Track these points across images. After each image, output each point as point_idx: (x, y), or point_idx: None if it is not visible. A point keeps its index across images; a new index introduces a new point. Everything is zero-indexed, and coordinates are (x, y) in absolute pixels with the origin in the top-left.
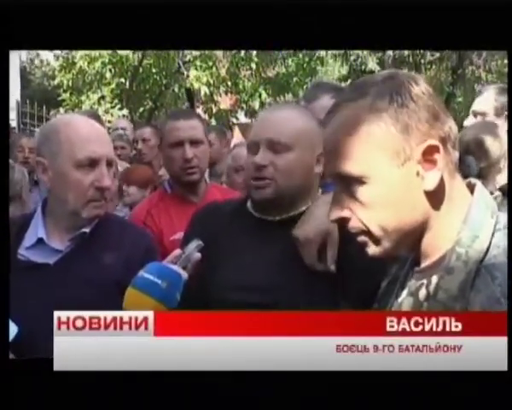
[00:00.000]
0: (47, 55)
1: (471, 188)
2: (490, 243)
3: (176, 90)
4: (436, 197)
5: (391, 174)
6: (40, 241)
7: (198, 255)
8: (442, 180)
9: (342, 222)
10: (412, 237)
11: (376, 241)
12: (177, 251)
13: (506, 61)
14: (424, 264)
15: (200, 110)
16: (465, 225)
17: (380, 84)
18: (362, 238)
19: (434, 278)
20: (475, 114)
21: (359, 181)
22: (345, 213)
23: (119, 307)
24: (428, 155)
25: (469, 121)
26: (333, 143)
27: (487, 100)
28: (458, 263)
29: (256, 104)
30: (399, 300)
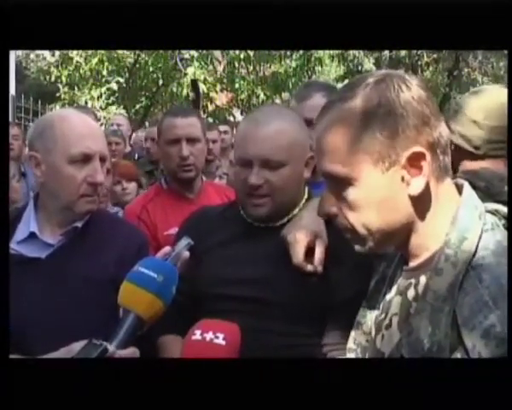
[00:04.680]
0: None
1: (459, 188)
2: (478, 244)
3: (174, 88)
4: (421, 202)
5: (375, 179)
6: (32, 235)
7: (187, 254)
8: (428, 186)
9: (330, 218)
10: (397, 238)
11: (361, 239)
12: (167, 248)
13: (502, 64)
14: (412, 264)
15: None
16: (453, 227)
17: (370, 87)
18: (348, 235)
19: (423, 279)
20: None
21: (345, 181)
22: (332, 210)
23: (111, 302)
24: (414, 161)
25: None
26: (322, 143)
27: None
28: (447, 264)
29: (253, 103)
30: (388, 298)
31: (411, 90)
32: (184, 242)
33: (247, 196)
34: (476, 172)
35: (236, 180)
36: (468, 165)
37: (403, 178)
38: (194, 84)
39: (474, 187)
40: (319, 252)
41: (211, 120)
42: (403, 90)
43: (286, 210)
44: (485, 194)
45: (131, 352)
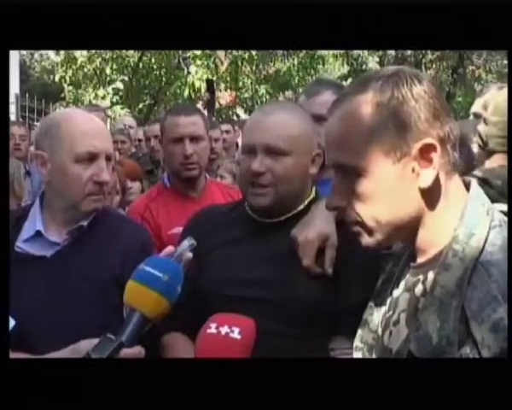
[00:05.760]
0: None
1: (466, 186)
2: (486, 240)
3: (178, 87)
4: (431, 195)
5: (386, 169)
6: (38, 233)
7: (190, 255)
8: (438, 179)
9: (339, 211)
10: (406, 231)
11: (370, 232)
12: (170, 248)
13: (506, 62)
14: (420, 260)
15: (199, 106)
16: (461, 223)
17: (383, 80)
18: (356, 228)
19: (431, 274)
20: (476, 116)
21: (356, 172)
22: (341, 203)
23: (116, 301)
24: (425, 153)
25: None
26: (334, 134)
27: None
28: (455, 260)
29: (256, 101)
30: (395, 295)
31: (423, 85)
32: (188, 243)
33: (249, 185)
34: (493, 169)
35: (241, 169)
36: (487, 163)
37: (413, 170)
38: (209, 84)
39: (490, 185)
40: (329, 255)
41: (214, 118)
42: (415, 84)
43: (289, 203)
44: (500, 193)
45: (137, 351)
